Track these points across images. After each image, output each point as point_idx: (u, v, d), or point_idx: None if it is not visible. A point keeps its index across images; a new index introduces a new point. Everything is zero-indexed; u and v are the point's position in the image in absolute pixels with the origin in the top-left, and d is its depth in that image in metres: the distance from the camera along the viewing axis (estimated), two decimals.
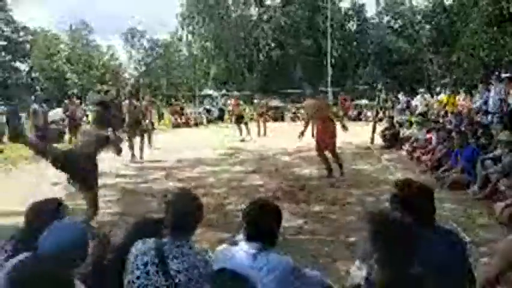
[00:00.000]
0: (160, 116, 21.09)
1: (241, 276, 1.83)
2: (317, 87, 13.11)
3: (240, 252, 1.93)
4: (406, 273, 1.57)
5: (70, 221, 2.03)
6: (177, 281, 1.86)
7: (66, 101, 12.80)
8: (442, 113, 13.19)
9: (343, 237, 4.14)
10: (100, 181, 7.03)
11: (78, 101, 13.83)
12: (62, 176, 4.45)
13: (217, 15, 39.68)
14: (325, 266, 3.48)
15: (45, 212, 2.15)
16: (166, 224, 2.01)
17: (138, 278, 1.89)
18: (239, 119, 13.61)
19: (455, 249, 1.93)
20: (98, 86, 45.84)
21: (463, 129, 8.15)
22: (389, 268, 1.59)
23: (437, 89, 17.58)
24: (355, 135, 13.82)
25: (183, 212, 1.99)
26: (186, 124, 19.83)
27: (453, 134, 7.34)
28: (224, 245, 2.08)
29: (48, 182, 6.65)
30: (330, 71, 30.85)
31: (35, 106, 11.42)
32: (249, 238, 1.96)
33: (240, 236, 2.14)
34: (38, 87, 42.51)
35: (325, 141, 6.93)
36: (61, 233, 1.79)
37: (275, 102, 23.94)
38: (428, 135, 9.23)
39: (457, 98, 14.62)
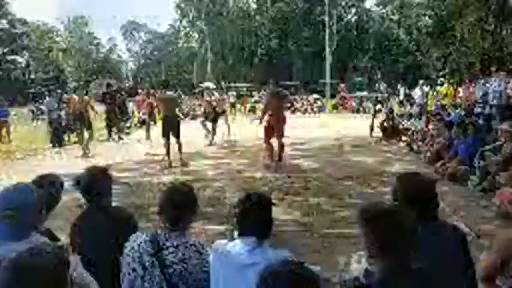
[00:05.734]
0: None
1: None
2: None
3: (236, 247, 1.90)
4: (406, 269, 1.52)
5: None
6: (172, 271, 1.87)
7: None
8: (441, 104, 13.15)
9: (343, 230, 4.12)
10: None
11: None
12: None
13: (215, 6, 39.38)
14: (325, 259, 3.46)
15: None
16: (163, 216, 2.00)
17: (134, 269, 1.90)
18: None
19: (457, 244, 1.90)
20: (97, 78, 45.67)
21: (463, 120, 8.11)
22: (384, 262, 1.54)
23: (437, 81, 17.46)
24: (355, 127, 13.81)
25: (179, 205, 1.98)
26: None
27: (454, 125, 7.30)
28: (222, 241, 2.04)
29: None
30: (328, 62, 30.75)
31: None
32: (243, 233, 1.93)
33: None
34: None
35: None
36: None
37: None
38: (427, 127, 9.20)
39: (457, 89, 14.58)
